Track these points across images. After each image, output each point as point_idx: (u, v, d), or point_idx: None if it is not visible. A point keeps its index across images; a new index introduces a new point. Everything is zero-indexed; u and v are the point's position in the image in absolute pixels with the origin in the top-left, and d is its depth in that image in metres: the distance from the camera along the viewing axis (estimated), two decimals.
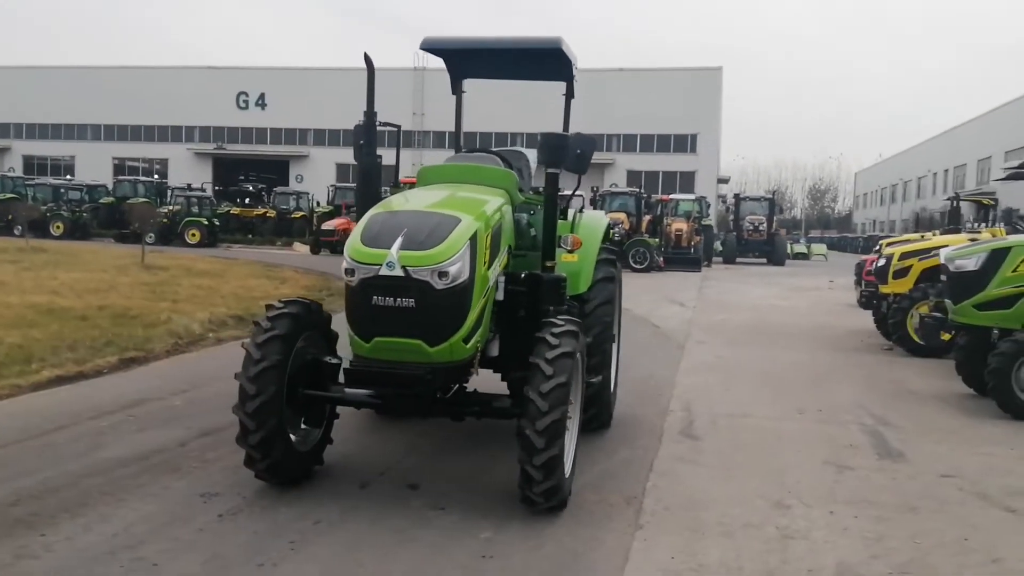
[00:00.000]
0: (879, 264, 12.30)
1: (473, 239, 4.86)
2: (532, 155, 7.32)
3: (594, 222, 6.68)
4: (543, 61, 6.85)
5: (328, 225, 35.95)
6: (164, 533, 4.44)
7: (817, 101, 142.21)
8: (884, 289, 12.24)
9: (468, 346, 4.90)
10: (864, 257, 19.27)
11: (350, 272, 4.71)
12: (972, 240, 11.76)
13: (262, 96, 63.02)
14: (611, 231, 7.05)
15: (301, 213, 43.11)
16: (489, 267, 5.09)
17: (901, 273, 11.98)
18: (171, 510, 4.78)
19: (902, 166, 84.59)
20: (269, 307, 5.19)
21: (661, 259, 29.80)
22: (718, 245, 39.28)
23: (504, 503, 5.03)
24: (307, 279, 20.25)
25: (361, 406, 5.41)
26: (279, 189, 49.08)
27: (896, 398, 8.72)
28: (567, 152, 5.64)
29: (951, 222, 20.99)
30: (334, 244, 35.36)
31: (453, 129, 7.36)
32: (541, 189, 5.95)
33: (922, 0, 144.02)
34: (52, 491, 5.01)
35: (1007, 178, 13.06)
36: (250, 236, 42.58)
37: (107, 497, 4.94)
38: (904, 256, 12.04)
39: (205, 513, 4.75)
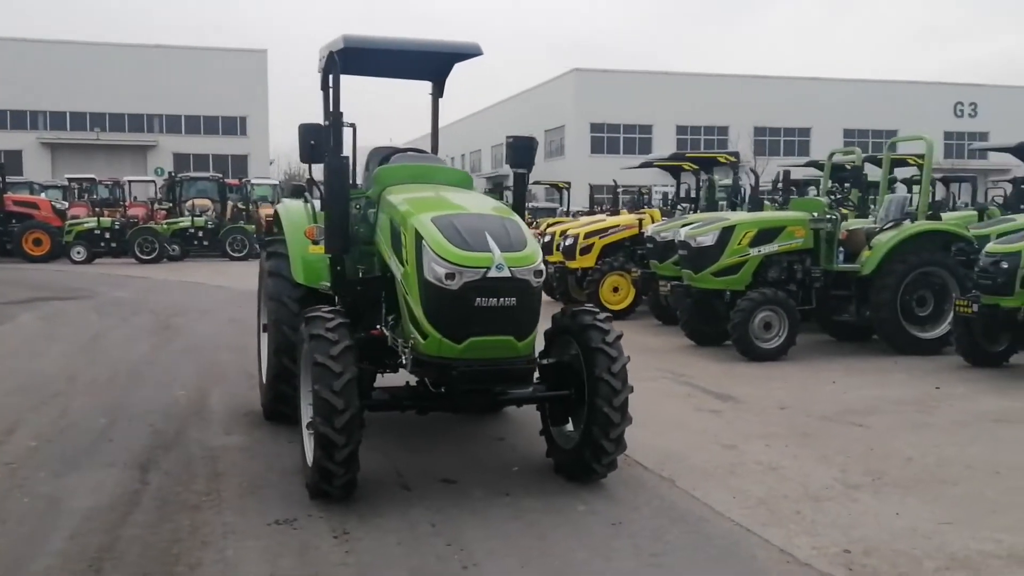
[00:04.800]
0: (567, 243, 14.07)
1: None
2: None
3: None
4: (432, 62, 7.06)
5: None
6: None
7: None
8: (572, 264, 14.07)
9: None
10: None
11: (451, 276, 4.75)
12: (640, 220, 14.12)
13: None
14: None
15: None
16: None
17: (586, 250, 13.91)
18: (304, 541, 4.48)
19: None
20: (316, 319, 4.96)
21: (258, 246, 29.29)
22: None
23: (541, 482, 5.47)
24: None
25: (428, 409, 5.38)
26: None
27: (658, 355, 10.37)
28: (534, 154, 6.13)
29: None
30: None
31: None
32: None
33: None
34: (111, 549, 4.30)
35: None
36: None
37: (198, 553, 4.37)
38: (588, 235, 13.98)
39: (332, 548, 4.45)
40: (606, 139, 56.76)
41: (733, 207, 14.53)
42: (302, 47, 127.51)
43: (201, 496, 5.15)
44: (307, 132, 5.66)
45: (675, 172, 16.70)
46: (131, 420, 6.98)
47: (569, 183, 25.65)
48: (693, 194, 17.41)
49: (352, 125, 6.00)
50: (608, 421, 5.16)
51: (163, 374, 9.02)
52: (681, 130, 59.21)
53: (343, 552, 4.34)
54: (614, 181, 23.55)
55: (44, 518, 4.77)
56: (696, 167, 15.20)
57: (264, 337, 7.08)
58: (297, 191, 8.11)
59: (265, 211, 32.24)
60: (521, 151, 6.08)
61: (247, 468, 5.70)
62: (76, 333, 12.06)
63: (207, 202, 30.29)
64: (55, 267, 24.73)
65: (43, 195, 32.49)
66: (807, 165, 17.83)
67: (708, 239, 10.24)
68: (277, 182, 39.60)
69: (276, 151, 65.40)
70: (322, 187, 5.82)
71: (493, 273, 4.78)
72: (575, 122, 57.22)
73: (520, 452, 6.17)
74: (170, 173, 32.41)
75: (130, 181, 34.35)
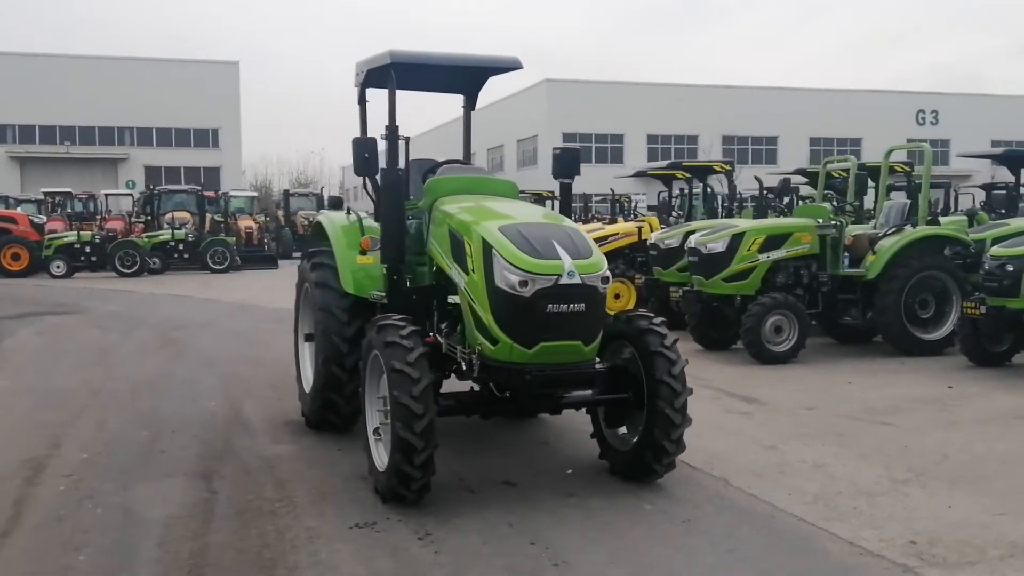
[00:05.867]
0: None
1: None
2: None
3: None
4: (468, 76, 7.19)
5: None
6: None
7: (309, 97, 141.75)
8: None
9: None
10: None
11: (524, 284, 4.88)
12: (640, 228, 14.34)
13: None
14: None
15: None
16: None
17: None
18: (392, 543, 4.58)
19: None
20: (389, 327, 5.06)
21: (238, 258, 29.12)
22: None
23: (599, 483, 5.62)
24: None
25: (493, 414, 5.54)
26: None
27: None
28: (578, 164, 6.30)
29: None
30: None
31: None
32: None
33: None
34: (204, 555, 4.37)
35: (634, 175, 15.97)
36: None
37: (292, 556, 4.45)
38: None
39: (421, 549, 4.56)
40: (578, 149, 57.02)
41: (730, 214, 14.79)
42: (274, 58, 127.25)
43: (274, 503, 5.23)
44: (360, 146, 5.79)
45: (667, 181, 16.95)
46: (174, 432, 7.01)
47: (553, 192, 25.87)
48: (675, 202, 17.75)
49: (407, 139, 6.11)
50: (669, 423, 5.32)
51: (185, 387, 9.02)
52: (652, 139, 59.67)
53: (433, 553, 4.45)
54: (611, 190, 23.86)
55: (126, 528, 4.83)
56: (689, 175, 15.44)
57: (306, 347, 7.16)
58: (335, 203, 8.24)
59: (244, 223, 32.21)
60: (567, 162, 6.26)
61: (308, 475, 5.78)
62: (81, 348, 11.98)
63: (186, 215, 30.04)
64: (35, 282, 24.42)
65: (19, 209, 32.10)
66: (795, 173, 18.15)
67: (719, 246, 10.47)
68: (256, 193, 39.32)
69: (247, 162, 64.96)
70: (377, 199, 5.95)
71: (564, 280, 4.93)
72: (547, 132, 57.44)
73: (569, 455, 6.31)
74: (148, 186, 32.02)
75: (107, 195, 34.01)
